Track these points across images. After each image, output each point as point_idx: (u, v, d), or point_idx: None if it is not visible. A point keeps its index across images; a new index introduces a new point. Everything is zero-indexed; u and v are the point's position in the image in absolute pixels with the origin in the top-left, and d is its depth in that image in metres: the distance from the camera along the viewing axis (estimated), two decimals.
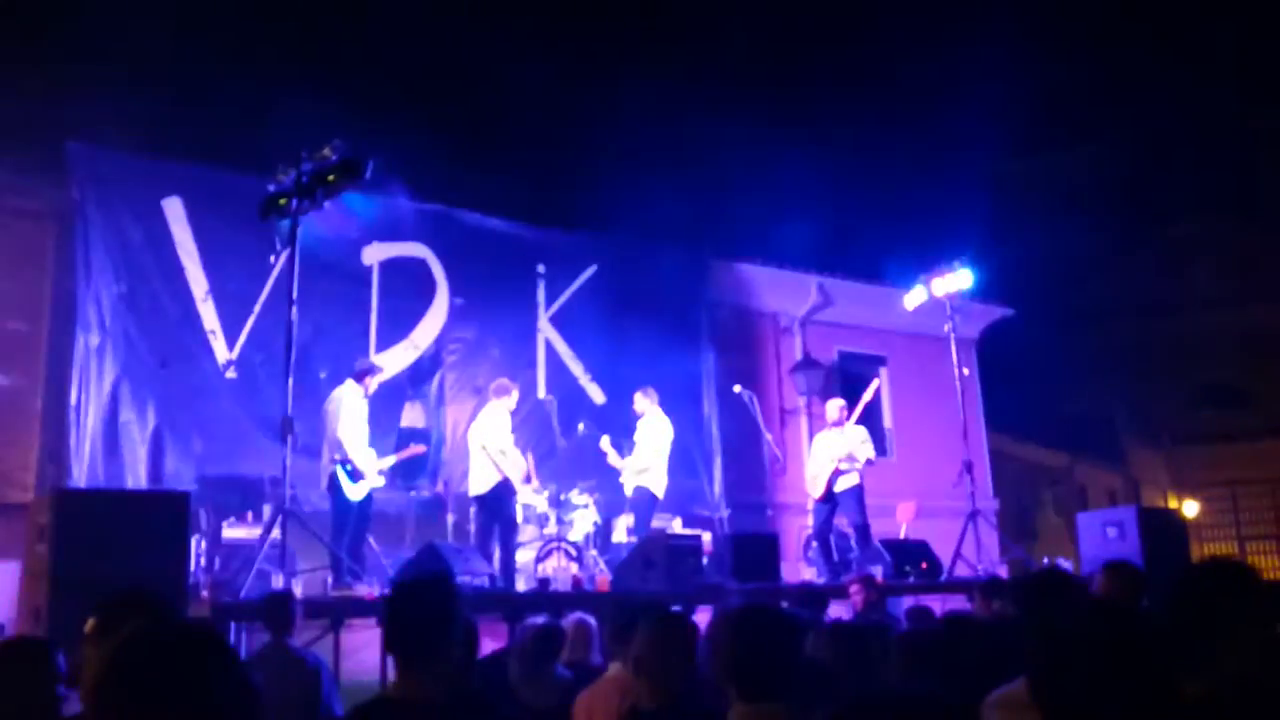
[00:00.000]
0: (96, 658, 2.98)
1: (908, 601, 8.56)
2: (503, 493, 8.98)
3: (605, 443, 10.30)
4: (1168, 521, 9.92)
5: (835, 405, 10.36)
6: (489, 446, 8.98)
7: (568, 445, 10.80)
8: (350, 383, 8.65)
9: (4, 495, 9.56)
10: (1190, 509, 26.99)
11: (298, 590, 6.59)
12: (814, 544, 10.42)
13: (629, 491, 10.16)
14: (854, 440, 10.03)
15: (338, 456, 8.30)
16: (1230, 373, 29.09)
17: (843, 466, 9.97)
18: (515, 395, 9.46)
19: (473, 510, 9.60)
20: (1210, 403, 29.29)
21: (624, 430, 11.17)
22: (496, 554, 8.81)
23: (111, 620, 3.07)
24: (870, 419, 10.79)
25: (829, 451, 10.06)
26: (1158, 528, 9.04)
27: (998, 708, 2.72)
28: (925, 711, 2.57)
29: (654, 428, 10.08)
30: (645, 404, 10.20)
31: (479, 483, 9.10)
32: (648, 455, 9.97)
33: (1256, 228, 28.67)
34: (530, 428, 11.22)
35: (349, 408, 8.47)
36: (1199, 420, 29.02)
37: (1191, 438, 28.91)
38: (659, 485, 10.01)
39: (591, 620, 5.33)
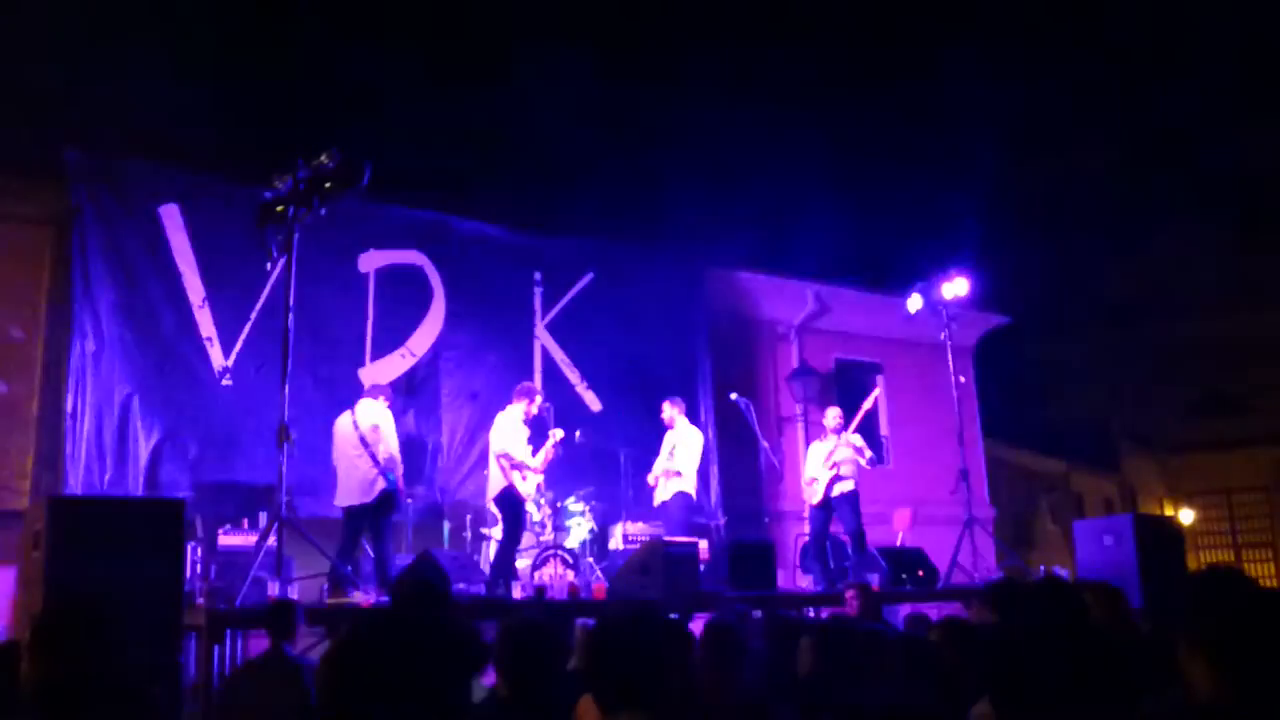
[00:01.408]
0: (39, 669, 2.93)
1: (905, 610, 8.56)
2: (506, 499, 8.99)
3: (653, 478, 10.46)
4: (1164, 529, 9.90)
5: (833, 414, 10.38)
6: (495, 453, 9.07)
7: (564, 453, 10.80)
8: (378, 400, 8.91)
9: (1, 502, 9.55)
10: (1186, 517, 27.02)
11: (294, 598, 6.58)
12: (810, 550, 10.41)
13: (665, 497, 10.20)
14: (850, 448, 10.05)
15: (396, 473, 8.66)
16: (1226, 380, 29.17)
17: (844, 471, 10.00)
18: (535, 403, 9.39)
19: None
20: (1207, 410, 29.33)
21: (620, 438, 11.17)
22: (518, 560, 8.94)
23: (47, 633, 3.03)
24: (867, 427, 10.79)
25: (826, 459, 10.08)
26: (1154, 535, 9.03)
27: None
28: None
29: (688, 435, 10.30)
30: (673, 412, 10.42)
31: (490, 487, 9.25)
32: (684, 462, 10.16)
33: (1253, 235, 28.76)
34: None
35: (390, 423, 8.85)
36: (1195, 428, 29.06)
37: (1188, 445, 28.95)
38: (693, 490, 10.26)
39: None
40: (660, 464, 10.30)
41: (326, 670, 1.55)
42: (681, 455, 10.21)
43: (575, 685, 4.48)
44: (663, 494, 10.23)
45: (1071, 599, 3.76)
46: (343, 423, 8.86)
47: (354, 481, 8.61)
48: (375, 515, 8.55)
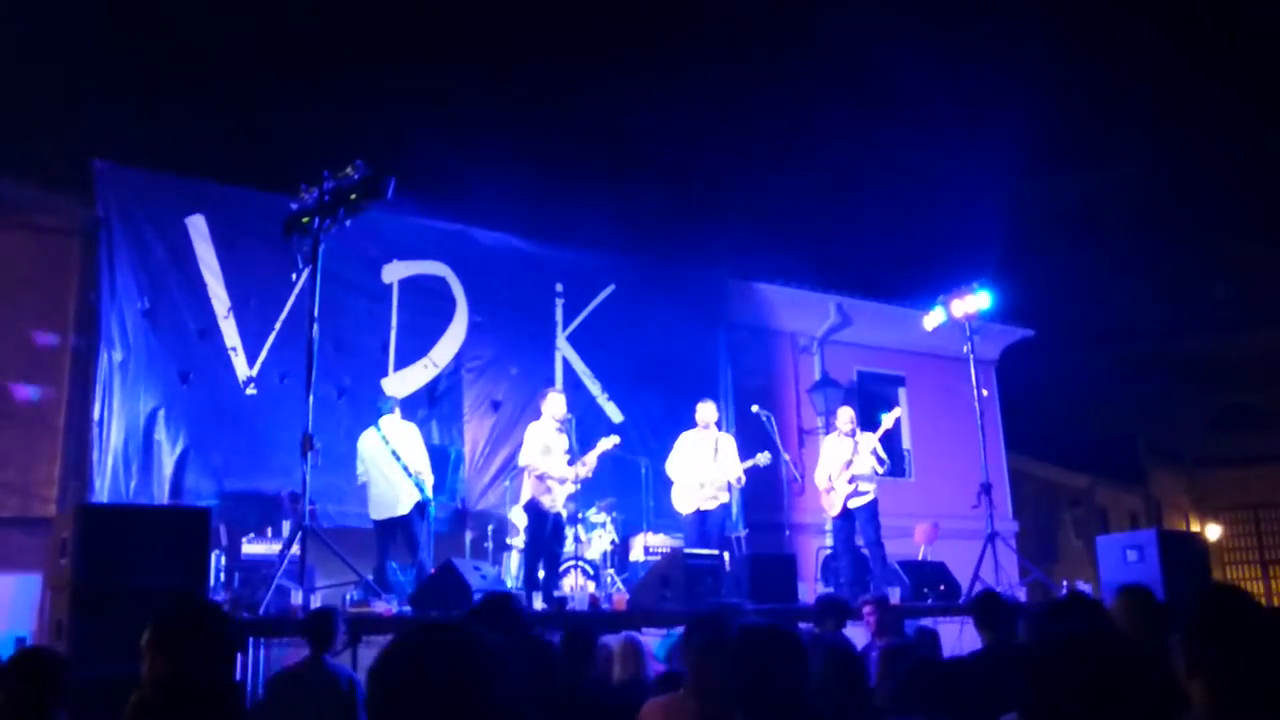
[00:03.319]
0: (155, 666, 3.05)
1: (925, 624, 8.50)
2: (529, 510, 9.03)
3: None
4: (1189, 545, 9.81)
5: (845, 414, 10.32)
6: (520, 464, 9.13)
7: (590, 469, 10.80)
8: (394, 413, 9.29)
9: (27, 509, 9.65)
10: (1213, 532, 26.74)
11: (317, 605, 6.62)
12: (840, 560, 10.31)
13: (709, 506, 9.77)
14: (865, 450, 9.98)
15: (426, 484, 9.08)
16: (1253, 394, 28.87)
17: (862, 487, 9.95)
18: (548, 404, 9.26)
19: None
20: (1233, 424, 29.05)
21: (642, 449, 11.16)
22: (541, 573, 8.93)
23: (167, 630, 3.14)
24: (889, 439, 10.73)
25: (839, 458, 10.03)
26: (1178, 551, 8.95)
27: None
28: None
29: (731, 443, 10.09)
30: (716, 416, 10.16)
31: (521, 495, 9.31)
32: (736, 470, 9.92)
33: None
34: None
35: (419, 436, 9.37)
36: (1222, 442, 28.77)
37: (1214, 460, 28.66)
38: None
39: (640, 637, 5.33)
40: (710, 469, 9.79)
41: (376, 681, 1.58)
42: (733, 464, 9.94)
43: (595, 694, 4.51)
44: (707, 502, 9.77)
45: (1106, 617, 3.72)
46: (370, 439, 9.10)
47: (388, 496, 8.93)
48: (408, 527, 8.86)
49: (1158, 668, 1.93)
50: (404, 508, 8.94)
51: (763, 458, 9.97)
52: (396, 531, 8.96)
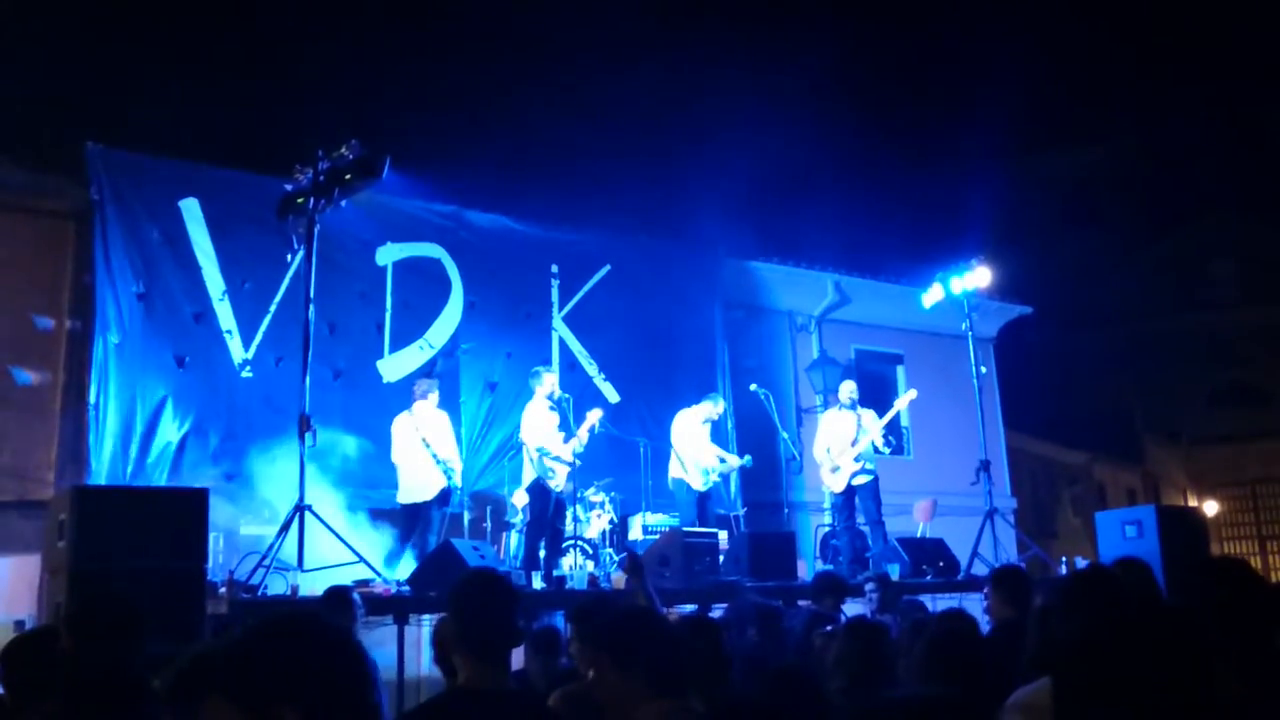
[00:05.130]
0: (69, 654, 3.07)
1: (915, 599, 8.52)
2: (534, 490, 9.05)
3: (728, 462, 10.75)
4: (1187, 520, 9.82)
5: (847, 388, 10.37)
6: (529, 445, 9.15)
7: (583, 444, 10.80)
8: (428, 399, 9.31)
9: (25, 492, 9.65)
10: (1210, 508, 26.80)
11: (315, 588, 6.62)
12: (840, 538, 10.35)
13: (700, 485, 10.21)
14: (872, 431, 10.03)
15: (455, 470, 9.23)
16: (1251, 371, 28.90)
17: (868, 466, 9.99)
18: (542, 384, 9.37)
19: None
20: (1231, 401, 29.09)
21: (639, 429, 11.17)
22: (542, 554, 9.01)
23: (72, 619, 3.16)
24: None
25: (843, 434, 10.06)
26: (1177, 527, 8.96)
27: (1020, 711, 2.66)
28: (943, 715, 2.51)
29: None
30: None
31: (523, 477, 9.39)
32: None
33: (1278, 225, 28.44)
34: None
35: (448, 423, 9.50)
36: (1219, 419, 28.80)
37: (1212, 437, 28.69)
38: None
39: None
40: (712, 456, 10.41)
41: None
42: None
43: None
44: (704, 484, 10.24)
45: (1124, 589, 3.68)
46: (403, 423, 9.17)
47: (418, 480, 9.03)
48: (428, 512, 9.02)
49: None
50: (430, 494, 9.05)
51: (743, 459, 10.64)
52: (418, 516, 9.04)
